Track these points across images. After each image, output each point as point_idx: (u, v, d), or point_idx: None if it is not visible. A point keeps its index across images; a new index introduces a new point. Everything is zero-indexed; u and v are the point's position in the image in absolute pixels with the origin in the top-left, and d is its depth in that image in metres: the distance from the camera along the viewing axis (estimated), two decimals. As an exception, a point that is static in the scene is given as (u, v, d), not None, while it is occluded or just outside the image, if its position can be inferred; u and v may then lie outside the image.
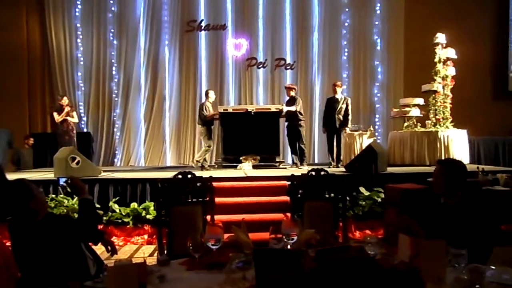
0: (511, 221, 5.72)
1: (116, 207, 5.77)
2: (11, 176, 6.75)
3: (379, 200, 5.83)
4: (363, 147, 7.82)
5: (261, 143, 8.16)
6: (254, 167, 7.86)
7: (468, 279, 1.67)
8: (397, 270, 1.11)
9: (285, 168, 7.97)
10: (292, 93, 8.21)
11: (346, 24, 10.78)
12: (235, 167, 7.85)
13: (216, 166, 8.01)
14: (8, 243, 2.23)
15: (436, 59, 8.72)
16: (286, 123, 8.37)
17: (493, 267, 1.88)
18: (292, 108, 7.98)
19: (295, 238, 2.12)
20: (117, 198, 5.94)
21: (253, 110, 8.03)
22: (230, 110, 8.09)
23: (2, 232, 5.23)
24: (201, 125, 7.99)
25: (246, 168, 7.73)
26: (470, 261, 1.84)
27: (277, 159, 8.63)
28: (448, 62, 8.68)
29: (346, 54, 10.83)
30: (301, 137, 8.09)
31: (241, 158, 7.93)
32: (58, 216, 3.56)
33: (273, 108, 8.34)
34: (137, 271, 1.55)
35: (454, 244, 1.83)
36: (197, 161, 7.99)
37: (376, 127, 10.66)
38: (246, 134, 8.04)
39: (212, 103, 8.25)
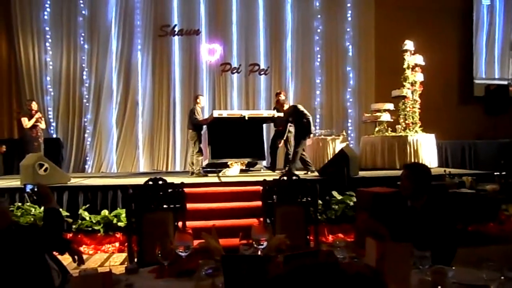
0: (476, 222, 5.93)
1: (86, 214, 5.65)
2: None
3: (352, 203, 5.92)
4: (336, 152, 7.94)
5: (247, 148, 8.22)
6: (241, 171, 7.98)
7: (431, 280, 1.71)
8: (360, 274, 1.14)
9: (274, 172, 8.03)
10: (281, 98, 8.33)
11: (319, 30, 10.95)
12: (220, 172, 7.85)
13: (202, 172, 7.94)
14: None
15: (405, 65, 8.97)
16: (275, 129, 8.44)
17: (455, 268, 1.94)
18: (282, 114, 8.07)
19: (265, 243, 2.12)
20: (87, 205, 5.81)
21: (247, 115, 8.10)
22: (225, 115, 8.11)
23: None
24: (192, 130, 7.91)
25: (232, 173, 7.77)
26: (435, 263, 1.90)
27: (264, 164, 8.80)
28: (417, 68, 8.95)
29: (318, 60, 10.98)
30: (289, 142, 8.20)
31: (228, 163, 7.95)
32: (22, 226, 3.44)
33: (266, 113, 8.43)
34: (102, 281, 1.51)
35: (420, 246, 1.87)
36: (197, 172, 7.87)
37: (349, 131, 10.84)
38: (233, 139, 8.07)
39: (202, 108, 8.24)
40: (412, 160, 8.01)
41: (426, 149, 8.42)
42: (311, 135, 7.89)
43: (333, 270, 1.05)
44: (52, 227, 2.24)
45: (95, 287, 1.45)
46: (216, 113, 7.98)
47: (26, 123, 7.89)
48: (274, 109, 8.45)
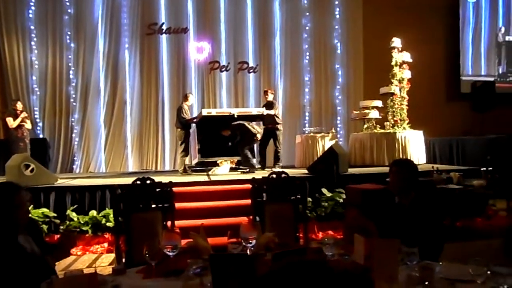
0: (464, 218, 6.00)
1: (74, 215, 5.59)
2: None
3: (341, 200, 5.95)
4: (325, 149, 7.96)
5: (236, 146, 8.21)
6: (231, 169, 7.99)
7: (419, 276, 1.72)
8: (347, 272, 1.13)
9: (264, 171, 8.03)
10: (270, 97, 8.36)
11: (307, 28, 10.95)
12: (209, 170, 7.81)
13: (189, 170, 7.93)
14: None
15: (393, 63, 9.03)
16: (264, 127, 8.43)
17: (442, 264, 1.96)
18: (272, 112, 8.11)
19: (254, 241, 2.11)
20: (75, 206, 5.74)
21: (236, 113, 8.08)
22: (214, 113, 8.09)
23: None
24: (181, 129, 7.85)
25: (221, 171, 7.77)
26: (423, 259, 1.91)
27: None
28: (404, 66, 9.02)
29: (307, 57, 10.99)
30: (278, 140, 8.23)
31: (218, 162, 7.94)
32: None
33: (255, 111, 8.45)
34: (88, 282, 1.49)
35: (408, 243, 1.88)
36: (182, 171, 7.83)
37: (338, 129, 10.88)
38: (223, 138, 8.06)
39: (190, 106, 8.18)
40: (401, 157, 8.06)
41: (414, 145, 8.49)
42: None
43: (320, 268, 1.04)
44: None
45: (80, 289, 1.43)
46: (205, 112, 7.96)
47: (12, 123, 7.76)
48: (263, 107, 8.45)
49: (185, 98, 8.12)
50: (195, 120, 8.15)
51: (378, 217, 2.53)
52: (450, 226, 5.45)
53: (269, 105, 8.28)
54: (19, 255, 2.07)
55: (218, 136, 8.02)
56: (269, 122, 8.27)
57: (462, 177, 5.73)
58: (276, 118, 8.22)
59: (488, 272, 1.62)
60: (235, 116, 8.05)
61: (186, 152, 7.93)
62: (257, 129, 7.69)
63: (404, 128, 8.78)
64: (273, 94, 8.62)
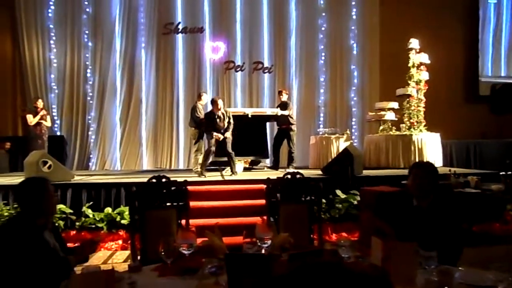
0: (481, 222, 5.89)
1: (89, 212, 5.65)
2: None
3: (355, 202, 5.89)
4: (340, 150, 7.91)
5: (250, 146, 8.23)
6: (244, 169, 7.97)
7: (437, 280, 1.69)
8: (365, 274, 1.11)
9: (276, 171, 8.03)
10: (284, 97, 8.31)
11: (323, 28, 10.90)
12: (223, 170, 7.80)
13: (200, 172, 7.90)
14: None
15: (410, 64, 8.91)
16: (278, 127, 8.40)
17: (461, 268, 1.92)
18: (286, 112, 8.08)
19: (269, 242, 2.10)
20: (91, 203, 5.80)
21: (250, 113, 8.08)
22: None
23: None
24: (194, 128, 7.87)
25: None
26: (441, 263, 1.87)
27: (267, 162, 8.90)
28: (422, 67, 8.89)
29: (323, 58, 10.94)
30: (292, 141, 8.19)
31: None
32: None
33: (269, 112, 8.47)
34: (105, 278, 1.50)
35: (426, 246, 1.85)
36: (195, 171, 7.57)
37: (353, 130, 10.79)
38: (237, 138, 8.06)
39: (204, 106, 8.19)
40: (417, 159, 7.96)
41: (430, 148, 8.37)
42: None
43: (338, 269, 1.02)
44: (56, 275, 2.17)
45: (97, 285, 1.44)
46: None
47: (31, 120, 7.90)
48: (277, 108, 8.44)
49: (199, 97, 8.12)
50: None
51: (395, 220, 2.50)
52: (467, 230, 5.35)
53: (284, 106, 8.26)
54: (44, 249, 2.11)
55: (232, 136, 8.04)
56: (283, 123, 8.25)
57: (480, 181, 5.62)
58: (290, 119, 8.19)
59: (510, 278, 1.59)
60: (249, 116, 8.05)
61: (200, 151, 7.95)
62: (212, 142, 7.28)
63: (420, 130, 8.66)
64: (287, 94, 8.58)
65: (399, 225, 2.43)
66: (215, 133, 7.11)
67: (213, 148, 7.16)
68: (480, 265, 1.91)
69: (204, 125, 7.41)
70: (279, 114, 8.12)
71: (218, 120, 7.16)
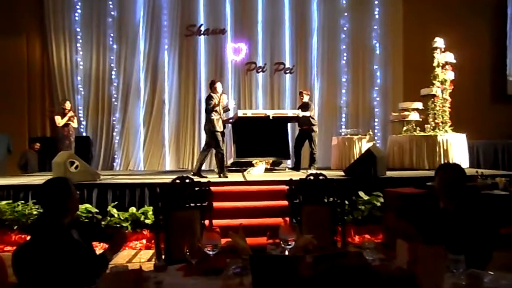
0: (510, 225, 5.71)
1: (114, 211, 5.76)
2: (19, 180, 6.81)
3: (379, 204, 5.82)
4: (362, 151, 7.82)
5: (272, 147, 8.24)
6: (266, 170, 7.98)
7: (466, 285, 1.66)
8: (393, 277, 1.11)
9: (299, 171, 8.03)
10: (306, 98, 8.29)
11: (345, 28, 10.81)
12: (245, 170, 7.83)
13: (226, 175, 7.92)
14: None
15: (435, 63, 8.74)
16: (299, 128, 8.41)
17: (491, 273, 1.87)
18: (307, 114, 8.07)
19: (293, 243, 2.11)
20: (116, 202, 5.92)
21: (271, 115, 8.10)
22: (249, 114, 8.14)
23: None
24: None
25: (257, 172, 7.75)
26: (469, 267, 1.83)
27: (288, 163, 8.91)
28: (447, 66, 8.71)
29: (345, 58, 10.86)
30: (313, 141, 8.16)
31: (253, 162, 7.96)
32: (83, 222, 3.54)
33: (290, 113, 8.48)
34: (133, 277, 1.54)
35: (453, 250, 1.81)
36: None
37: (375, 131, 10.66)
38: (258, 139, 8.11)
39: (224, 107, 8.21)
40: (442, 161, 7.80)
41: (456, 149, 8.18)
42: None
43: (367, 272, 1.02)
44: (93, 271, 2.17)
45: (126, 284, 1.47)
46: (240, 113, 8.01)
47: (59, 121, 8.11)
48: (298, 109, 8.42)
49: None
50: (230, 120, 8.22)
51: (420, 222, 2.46)
52: (496, 233, 5.21)
53: (305, 106, 8.23)
54: (79, 247, 2.16)
55: (253, 137, 8.05)
56: (304, 124, 8.23)
57: (508, 183, 5.47)
58: (312, 120, 8.15)
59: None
60: (271, 118, 8.04)
61: (222, 152, 7.97)
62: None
63: (446, 131, 8.48)
64: (308, 95, 8.53)
65: (425, 227, 2.39)
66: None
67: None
68: (509, 269, 1.86)
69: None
70: (300, 115, 8.10)
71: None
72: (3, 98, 9.82)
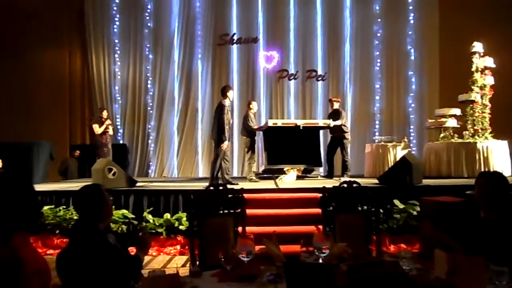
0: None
1: (150, 217, 5.88)
2: (60, 186, 7.11)
3: (415, 213, 5.66)
4: (397, 159, 7.65)
5: (303, 154, 8.22)
6: (298, 178, 7.93)
7: (509, 298, 1.60)
8: (432, 287, 1.09)
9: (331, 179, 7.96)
10: (336, 106, 8.24)
11: (379, 34, 10.67)
12: (277, 178, 7.82)
13: (256, 177, 7.98)
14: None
15: (473, 69, 8.46)
16: (331, 135, 8.38)
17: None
18: (338, 122, 8.00)
19: (327, 251, 2.10)
20: (151, 208, 6.04)
21: (302, 124, 8.09)
22: (279, 124, 8.18)
23: (36, 241, 5.50)
24: (246, 136, 8.00)
25: (288, 179, 7.72)
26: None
27: (320, 171, 8.91)
28: (486, 71, 8.41)
29: (378, 64, 10.71)
30: (345, 149, 8.09)
31: (285, 169, 7.97)
32: (115, 232, 3.66)
33: (321, 123, 8.45)
34: (170, 282, 1.58)
35: (495, 261, 1.75)
36: (249, 178, 7.72)
37: (411, 138, 10.41)
38: (290, 146, 8.11)
39: (255, 113, 8.30)
40: (482, 169, 7.51)
41: (497, 156, 7.86)
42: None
43: (403, 281, 1.01)
44: (130, 273, 2.25)
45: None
46: (270, 122, 8.05)
47: (97, 129, 8.40)
48: (329, 117, 8.35)
49: (249, 106, 8.06)
50: (261, 129, 8.27)
51: (459, 232, 2.38)
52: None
53: (335, 114, 8.14)
54: (114, 251, 2.24)
55: (284, 144, 8.05)
56: (336, 131, 8.14)
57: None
58: (343, 127, 8.06)
59: None
60: (301, 128, 8.02)
61: (253, 159, 8.04)
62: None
63: (486, 137, 8.16)
64: (339, 102, 8.42)
65: (465, 237, 2.31)
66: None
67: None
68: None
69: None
70: (331, 125, 8.01)
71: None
72: (47, 108, 10.33)
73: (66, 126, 10.75)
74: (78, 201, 2.38)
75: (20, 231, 1.70)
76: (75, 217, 5.77)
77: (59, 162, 9.78)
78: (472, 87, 8.43)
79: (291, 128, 7.97)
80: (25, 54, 10.22)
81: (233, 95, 7.39)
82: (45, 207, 5.97)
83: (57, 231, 5.74)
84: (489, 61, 8.40)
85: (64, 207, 6.02)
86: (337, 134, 8.16)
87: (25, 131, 9.72)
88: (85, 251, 2.13)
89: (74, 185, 7.02)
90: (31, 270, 1.67)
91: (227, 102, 6.89)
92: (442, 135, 8.69)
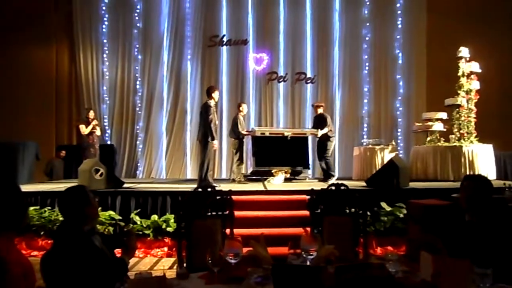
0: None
1: (137, 219, 5.83)
2: (46, 186, 7.00)
3: (401, 215, 5.72)
4: (385, 162, 7.72)
5: (291, 157, 8.25)
6: (286, 180, 7.94)
7: (493, 300, 1.62)
8: (417, 289, 1.10)
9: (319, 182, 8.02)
10: (320, 111, 8.26)
11: (367, 38, 10.77)
12: (265, 180, 7.83)
13: (244, 179, 8.01)
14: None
15: (460, 73, 8.59)
16: (318, 140, 8.41)
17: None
18: (325, 130, 7.99)
19: (314, 254, 2.10)
20: (139, 210, 6.00)
21: (289, 135, 8.11)
22: (267, 134, 8.22)
23: (20, 242, 5.40)
24: (234, 138, 8.01)
25: (277, 181, 7.74)
26: (496, 281, 1.79)
27: (309, 173, 8.89)
28: (472, 76, 8.54)
29: (367, 68, 10.80)
30: (328, 149, 8.07)
31: (273, 171, 7.98)
32: (102, 233, 3.62)
33: (309, 133, 8.52)
34: (157, 284, 1.56)
35: (479, 263, 1.77)
36: (238, 180, 7.87)
37: (398, 141, 10.52)
38: (277, 150, 8.14)
39: (244, 116, 8.29)
40: (468, 172, 7.62)
41: (482, 160, 7.98)
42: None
43: (389, 284, 1.02)
44: (115, 275, 2.20)
45: (150, 290, 1.50)
46: (258, 132, 8.10)
47: (84, 130, 8.31)
48: (314, 122, 8.40)
49: (239, 108, 8.19)
50: (249, 134, 8.30)
51: (444, 234, 2.41)
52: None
53: (320, 119, 8.16)
54: (99, 254, 2.21)
55: (273, 146, 8.08)
56: (323, 139, 8.16)
57: (538, 196, 5.29)
58: (329, 133, 8.08)
59: None
60: (288, 138, 8.05)
61: (241, 161, 8.04)
62: None
63: (471, 141, 8.29)
64: (322, 107, 8.38)
65: (450, 240, 2.34)
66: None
67: None
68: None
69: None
70: (319, 135, 8.04)
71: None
72: (33, 107, 10.17)
73: (53, 126, 10.60)
74: (62, 203, 2.35)
75: (5, 233, 1.67)
76: (60, 219, 5.69)
77: (45, 162, 9.63)
78: (459, 92, 8.56)
79: (278, 138, 8.08)
80: (11, 52, 10.03)
81: (218, 96, 7.37)
82: (30, 208, 5.88)
83: (42, 233, 5.65)
84: (475, 66, 8.53)
85: (49, 208, 5.93)
86: (322, 139, 8.16)
87: (10, 131, 9.55)
88: (69, 253, 2.10)
89: (59, 186, 6.92)
90: (17, 273, 1.65)
91: (212, 103, 6.87)
92: (428, 138, 8.81)
